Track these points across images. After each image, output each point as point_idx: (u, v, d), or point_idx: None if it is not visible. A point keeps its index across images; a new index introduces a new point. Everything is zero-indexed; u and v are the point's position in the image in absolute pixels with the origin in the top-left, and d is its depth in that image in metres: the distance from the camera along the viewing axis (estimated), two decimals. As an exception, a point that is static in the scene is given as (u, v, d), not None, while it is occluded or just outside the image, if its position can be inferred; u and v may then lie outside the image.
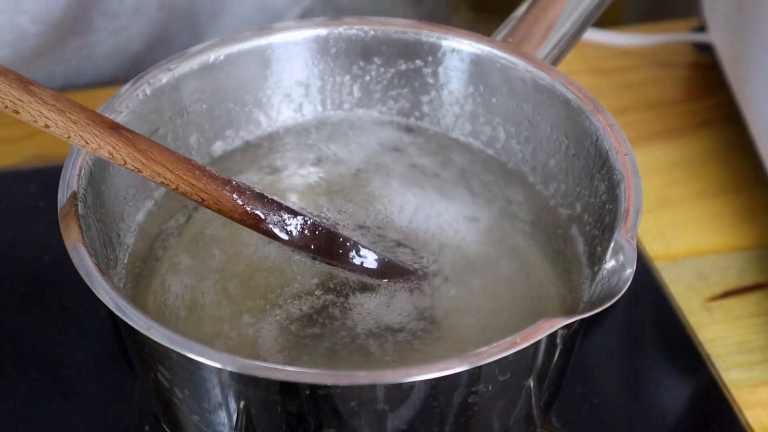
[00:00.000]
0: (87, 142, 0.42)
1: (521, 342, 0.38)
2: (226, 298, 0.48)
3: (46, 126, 0.41)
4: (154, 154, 0.43)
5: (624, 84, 0.74)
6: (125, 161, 0.43)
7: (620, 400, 0.55)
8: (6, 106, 0.41)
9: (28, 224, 0.64)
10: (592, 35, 0.75)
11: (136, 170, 0.43)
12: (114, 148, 0.42)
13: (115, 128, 0.43)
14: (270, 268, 0.49)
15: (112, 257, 0.47)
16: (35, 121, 0.41)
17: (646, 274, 0.60)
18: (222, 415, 0.41)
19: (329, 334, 0.46)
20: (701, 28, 0.74)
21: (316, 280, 0.48)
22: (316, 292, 0.47)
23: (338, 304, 0.47)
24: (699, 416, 0.55)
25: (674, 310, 0.59)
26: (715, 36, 0.71)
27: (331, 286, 0.48)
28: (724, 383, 0.55)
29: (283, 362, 0.44)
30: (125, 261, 0.49)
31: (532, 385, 0.42)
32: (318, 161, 0.55)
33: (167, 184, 0.44)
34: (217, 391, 0.40)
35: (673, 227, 0.64)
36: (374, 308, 0.46)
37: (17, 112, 0.41)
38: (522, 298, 0.49)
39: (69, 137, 0.42)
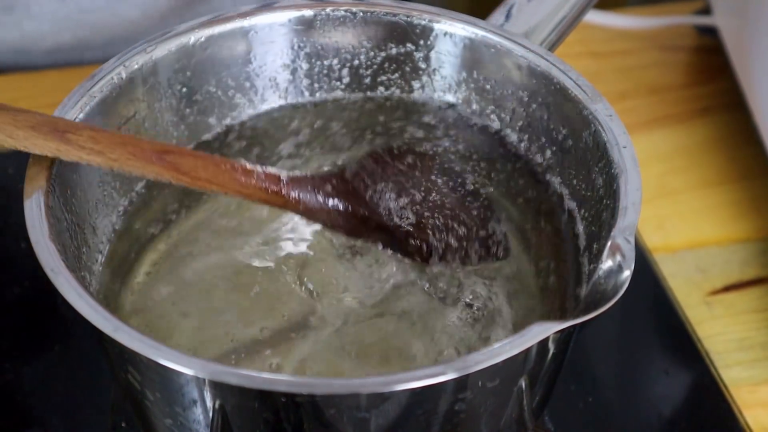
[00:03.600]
0: (131, 172, 0.42)
1: (511, 349, 0.35)
2: (210, 300, 0.46)
3: (90, 164, 0.42)
4: (198, 172, 0.43)
5: (624, 68, 0.72)
6: (171, 181, 0.43)
7: (615, 399, 0.54)
8: (48, 155, 0.41)
9: (5, 208, 0.62)
10: (592, 17, 0.73)
11: (185, 185, 0.43)
12: (158, 174, 0.42)
13: (157, 155, 0.42)
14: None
15: (84, 250, 0.45)
16: (80, 161, 0.42)
17: (644, 266, 0.59)
18: (195, 420, 0.39)
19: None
20: (706, 11, 0.72)
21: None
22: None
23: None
24: (697, 416, 0.53)
25: (672, 305, 0.57)
26: (720, 19, 0.68)
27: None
28: (723, 382, 0.54)
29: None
30: (102, 254, 0.47)
31: (523, 388, 0.40)
32: (305, 149, 0.52)
33: (217, 191, 0.44)
34: (190, 396, 0.38)
35: (672, 218, 0.62)
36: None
37: (61, 157, 0.41)
38: (513, 294, 0.47)
39: (113, 170, 0.42)
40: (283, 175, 0.45)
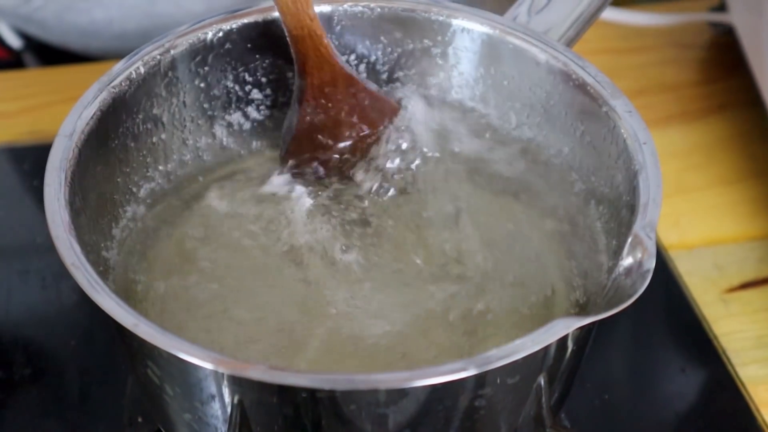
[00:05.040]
0: None
1: (533, 345, 0.35)
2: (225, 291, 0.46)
3: None
4: None
5: (639, 65, 0.72)
6: None
7: (631, 396, 0.53)
8: None
9: (20, 203, 0.62)
10: (607, 14, 0.73)
11: None
12: None
13: None
14: None
15: (102, 244, 0.45)
16: None
17: (660, 263, 0.58)
18: (215, 415, 0.39)
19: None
20: (721, 7, 0.72)
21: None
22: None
23: None
24: (713, 414, 0.53)
25: (689, 302, 0.57)
26: (735, 16, 0.68)
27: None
28: (740, 379, 0.53)
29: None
30: (120, 248, 0.47)
31: (542, 385, 0.40)
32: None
33: None
34: (210, 390, 0.38)
35: (689, 215, 0.62)
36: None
37: None
38: (531, 288, 0.47)
39: None
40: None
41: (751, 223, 0.61)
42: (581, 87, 0.47)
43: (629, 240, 0.39)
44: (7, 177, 0.64)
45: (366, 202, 0.50)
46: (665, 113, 0.69)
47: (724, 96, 0.70)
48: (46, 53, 0.76)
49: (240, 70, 0.51)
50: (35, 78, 0.71)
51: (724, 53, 0.73)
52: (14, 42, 0.75)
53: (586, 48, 0.68)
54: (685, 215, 0.62)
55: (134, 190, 0.48)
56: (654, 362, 0.55)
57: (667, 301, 0.58)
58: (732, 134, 0.67)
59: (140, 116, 0.48)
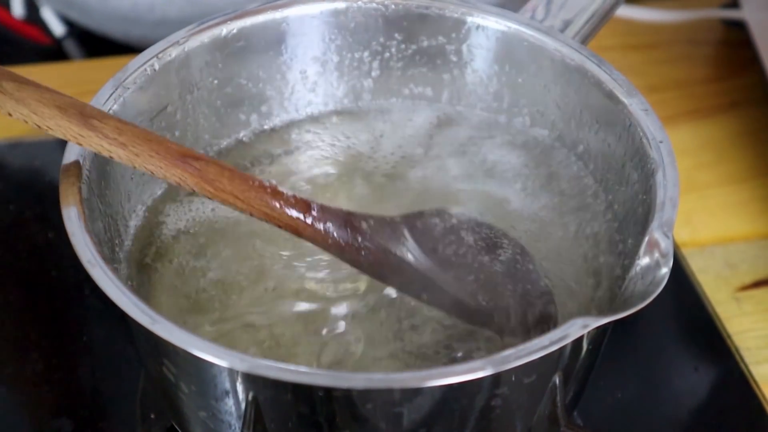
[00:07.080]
0: (152, 173, 0.41)
1: (550, 345, 0.35)
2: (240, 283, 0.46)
3: (110, 156, 0.41)
4: (223, 183, 0.41)
5: (651, 61, 0.72)
6: (194, 190, 0.42)
7: (644, 395, 0.53)
8: (68, 138, 0.41)
9: (32, 199, 0.62)
10: (619, 10, 0.72)
11: (206, 197, 0.42)
12: (181, 178, 0.41)
13: (182, 158, 0.41)
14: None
15: (117, 241, 0.45)
16: (100, 152, 0.41)
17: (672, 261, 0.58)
18: (229, 412, 0.39)
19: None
20: (733, 4, 0.72)
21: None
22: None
23: None
24: (726, 412, 0.53)
25: (702, 300, 0.57)
26: (748, 12, 0.68)
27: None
28: (753, 378, 0.53)
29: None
30: (134, 245, 0.47)
31: (557, 384, 0.40)
32: (332, 142, 0.52)
33: (240, 210, 0.42)
34: (226, 388, 0.38)
35: (700, 213, 0.62)
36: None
37: (81, 144, 0.41)
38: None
39: (134, 167, 0.41)
40: (315, 204, 0.43)
41: (763, 222, 0.61)
42: (597, 85, 0.47)
43: (645, 239, 0.39)
44: (18, 172, 0.64)
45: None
46: (676, 110, 0.68)
47: (735, 93, 0.70)
48: (87, 42, 0.76)
49: (254, 66, 0.51)
50: (46, 73, 0.70)
51: (736, 50, 0.72)
52: (57, 29, 0.76)
53: (597, 44, 0.67)
54: (697, 213, 0.62)
55: (147, 186, 0.48)
56: (666, 360, 0.55)
57: (679, 300, 0.57)
58: (743, 132, 0.67)
59: (154, 113, 0.48)
